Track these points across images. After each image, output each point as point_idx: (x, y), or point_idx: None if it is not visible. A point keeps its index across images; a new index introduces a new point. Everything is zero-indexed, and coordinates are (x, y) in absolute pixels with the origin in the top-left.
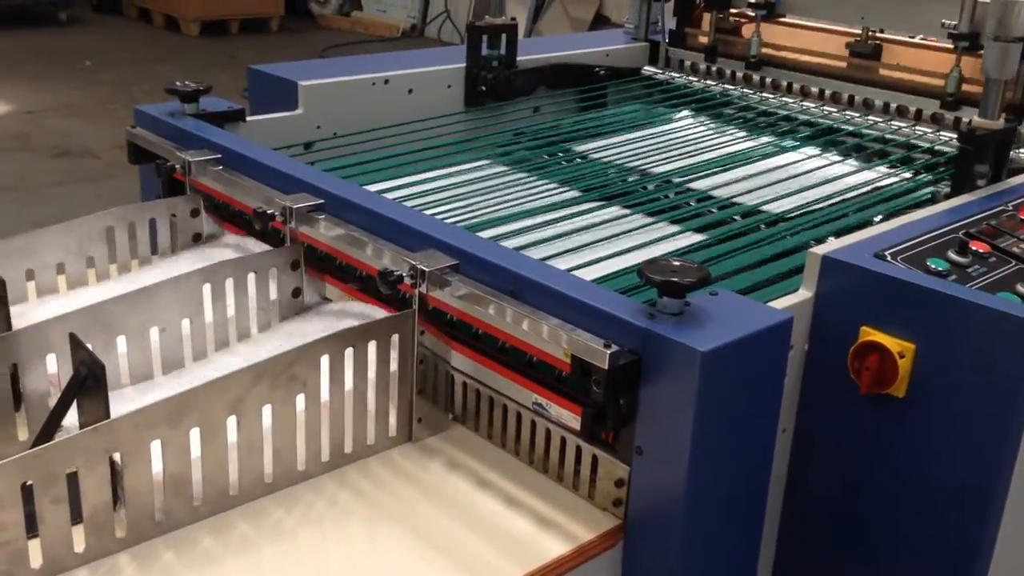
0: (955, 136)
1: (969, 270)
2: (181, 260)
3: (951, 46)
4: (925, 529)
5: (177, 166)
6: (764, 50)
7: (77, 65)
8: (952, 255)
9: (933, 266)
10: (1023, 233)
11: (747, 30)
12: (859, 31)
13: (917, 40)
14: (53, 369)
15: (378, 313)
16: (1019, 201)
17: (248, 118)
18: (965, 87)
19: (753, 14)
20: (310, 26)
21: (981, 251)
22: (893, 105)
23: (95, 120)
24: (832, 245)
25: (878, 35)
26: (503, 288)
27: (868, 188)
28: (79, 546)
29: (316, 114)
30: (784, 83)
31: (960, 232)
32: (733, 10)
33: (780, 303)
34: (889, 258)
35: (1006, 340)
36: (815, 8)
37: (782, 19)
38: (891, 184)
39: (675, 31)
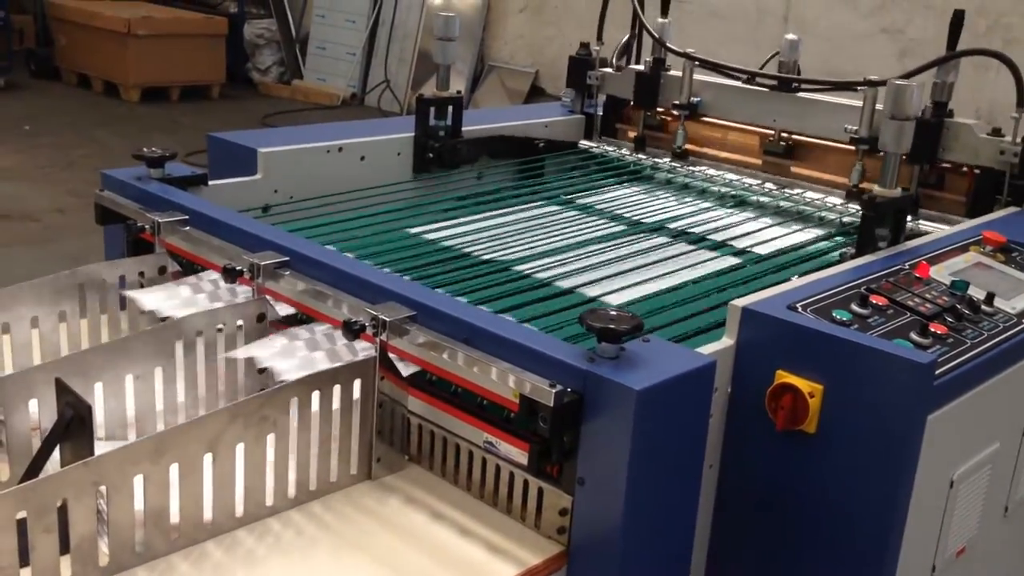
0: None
1: (869, 320)
2: None
3: (853, 148)
4: (836, 552)
5: (146, 226)
6: (688, 146)
7: (16, 130)
8: (855, 307)
9: (838, 316)
10: (917, 288)
11: (673, 126)
12: (773, 132)
13: (825, 141)
14: (35, 413)
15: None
16: (915, 261)
17: (210, 182)
18: (865, 184)
19: (677, 113)
20: (251, 93)
21: (880, 304)
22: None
23: (34, 183)
24: (751, 298)
25: (792, 135)
26: (458, 336)
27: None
28: (66, 573)
29: (274, 179)
30: (707, 173)
31: (862, 288)
32: (660, 108)
33: (705, 349)
34: (800, 309)
35: (899, 380)
36: (731, 111)
37: (704, 118)
38: (808, 247)
39: (605, 125)
